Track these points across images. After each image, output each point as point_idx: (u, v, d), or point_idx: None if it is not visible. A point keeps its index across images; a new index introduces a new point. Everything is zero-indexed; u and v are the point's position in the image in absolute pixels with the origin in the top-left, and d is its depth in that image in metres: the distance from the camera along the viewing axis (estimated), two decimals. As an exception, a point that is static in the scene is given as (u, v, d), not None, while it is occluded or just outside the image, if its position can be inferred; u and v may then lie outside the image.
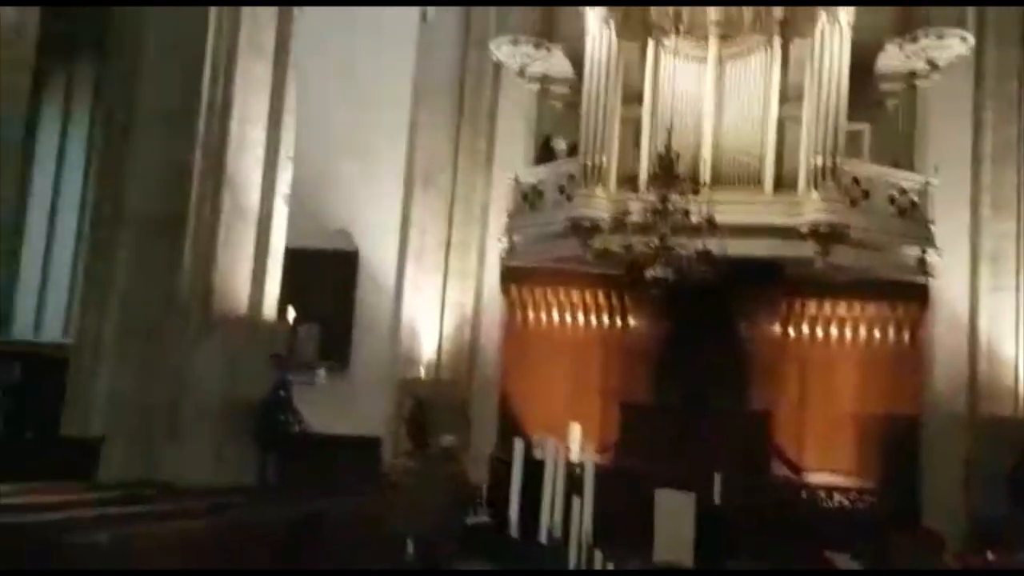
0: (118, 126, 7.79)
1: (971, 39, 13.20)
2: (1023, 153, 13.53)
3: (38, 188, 15.48)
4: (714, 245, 9.44)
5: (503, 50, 14.50)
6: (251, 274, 8.03)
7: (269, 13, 8.20)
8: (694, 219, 9.07)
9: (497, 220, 14.77)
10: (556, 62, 14.63)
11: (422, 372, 14.63)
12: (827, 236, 11.90)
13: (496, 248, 14.69)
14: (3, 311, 14.56)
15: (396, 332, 14.51)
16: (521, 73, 14.77)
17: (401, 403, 14.19)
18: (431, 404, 14.09)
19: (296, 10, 8.51)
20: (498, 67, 15.15)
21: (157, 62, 7.68)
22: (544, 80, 15.01)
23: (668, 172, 9.31)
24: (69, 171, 15.46)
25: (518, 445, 5.03)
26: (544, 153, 14.39)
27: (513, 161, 14.79)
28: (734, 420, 13.01)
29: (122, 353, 7.44)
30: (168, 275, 7.46)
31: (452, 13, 15.25)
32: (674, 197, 9.00)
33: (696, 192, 9.49)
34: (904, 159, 13.76)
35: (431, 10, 15.59)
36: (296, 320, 9.34)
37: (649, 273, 9.26)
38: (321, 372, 9.75)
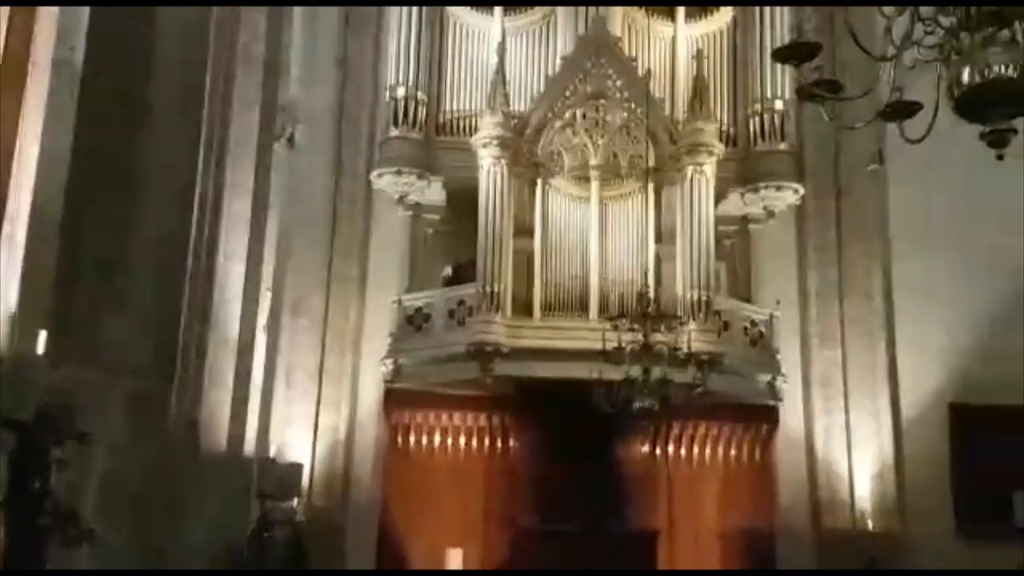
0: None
1: (802, 190, 15.20)
2: (843, 290, 15.48)
3: None
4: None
5: (384, 179, 14.88)
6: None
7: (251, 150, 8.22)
8: (680, 353, 9.82)
9: (372, 344, 14.76)
10: (432, 192, 15.17)
11: (295, 502, 14.05)
12: (707, 363, 13.04)
13: (372, 371, 14.63)
14: None
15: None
16: (400, 201, 15.14)
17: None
18: (305, 532, 13.55)
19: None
20: (370, 194, 15.38)
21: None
22: (417, 208, 15.44)
23: (646, 310, 10.02)
24: None
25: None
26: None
27: (386, 285, 14.97)
28: (621, 541, 13.52)
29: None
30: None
31: (324, 140, 15.40)
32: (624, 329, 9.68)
33: (670, 328, 10.26)
34: (743, 294, 15.37)
35: (300, 133, 15.69)
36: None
37: (637, 404, 9.81)
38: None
